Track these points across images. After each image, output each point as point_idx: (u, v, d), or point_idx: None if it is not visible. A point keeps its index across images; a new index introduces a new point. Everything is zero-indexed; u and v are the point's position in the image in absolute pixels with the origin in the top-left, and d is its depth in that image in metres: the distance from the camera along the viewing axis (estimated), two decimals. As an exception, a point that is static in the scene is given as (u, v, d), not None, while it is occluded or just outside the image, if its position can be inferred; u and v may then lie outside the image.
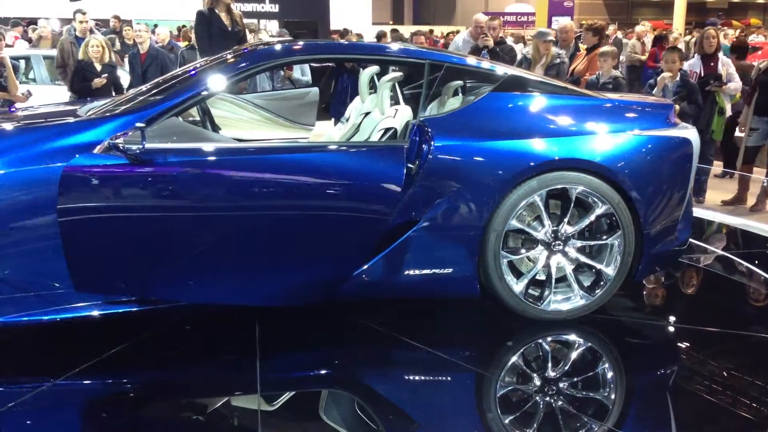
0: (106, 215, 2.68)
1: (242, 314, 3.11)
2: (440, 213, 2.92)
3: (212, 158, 2.78)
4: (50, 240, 2.64)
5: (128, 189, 2.69)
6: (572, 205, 3.05)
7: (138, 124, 2.68)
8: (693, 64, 6.22)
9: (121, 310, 2.82)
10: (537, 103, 3.19)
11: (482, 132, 3.03)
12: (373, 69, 3.83)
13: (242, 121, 4.41)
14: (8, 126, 2.98)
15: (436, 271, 2.98)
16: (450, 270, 2.98)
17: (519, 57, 6.67)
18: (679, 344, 3.19)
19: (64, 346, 2.91)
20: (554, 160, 2.98)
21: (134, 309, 2.83)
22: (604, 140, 3.08)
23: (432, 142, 2.91)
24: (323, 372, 2.86)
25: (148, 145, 2.64)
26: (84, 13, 7.85)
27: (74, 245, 2.66)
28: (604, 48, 5.83)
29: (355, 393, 2.72)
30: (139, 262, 2.78)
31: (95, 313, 2.78)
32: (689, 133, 3.27)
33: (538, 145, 2.99)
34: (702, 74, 6.06)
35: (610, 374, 2.86)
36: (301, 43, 3.49)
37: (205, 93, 2.94)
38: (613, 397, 2.67)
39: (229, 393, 2.69)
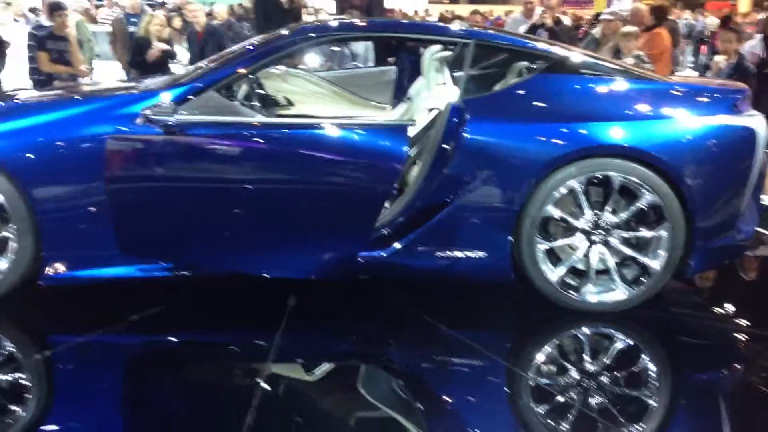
0: (145, 183, 2.84)
1: (278, 285, 3.11)
2: (474, 195, 2.90)
3: (236, 131, 2.88)
4: (99, 204, 2.82)
5: (162, 158, 2.83)
6: (614, 193, 2.94)
7: (168, 97, 2.85)
8: (754, 46, 5.90)
9: (161, 274, 2.95)
10: (585, 85, 3.10)
11: (521, 114, 2.98)
12: (435, 48, 3.74)
13: (313, 97, 4.45)
14: (65, 98, 3.23)
15: (468, 253, 2.95)
16: (483, 253, 2.95)
17: (588, 38, 6.48)
18: (734, 344, 3.00)
19: (102, 306, 3.05)
20: (595, 146, 2.90)
21: (173, 273, 2.96)
22: (652, 126, 2.96)
23: (468, 123, 2.88)
24: (341, 348, 2.88)
25: (178, 117, 2.78)
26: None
27: (119, 210, 2.82)
28: (628, 28, 5.54)
29: (371, 371, 2.77)
30: (176, 229, 2.92)
31: (138, 274, 2.93)
32: (754, 121, 3.08)
33: (579, 130, 2.91)
34: (764, 56, 5.72)
35: (651, 375, 2.69)
36: (354, 20, 3.48)
37: (241, 70, 3.04)
38: (653, 401, 2.51)
39: (240, 360, 2.78)
